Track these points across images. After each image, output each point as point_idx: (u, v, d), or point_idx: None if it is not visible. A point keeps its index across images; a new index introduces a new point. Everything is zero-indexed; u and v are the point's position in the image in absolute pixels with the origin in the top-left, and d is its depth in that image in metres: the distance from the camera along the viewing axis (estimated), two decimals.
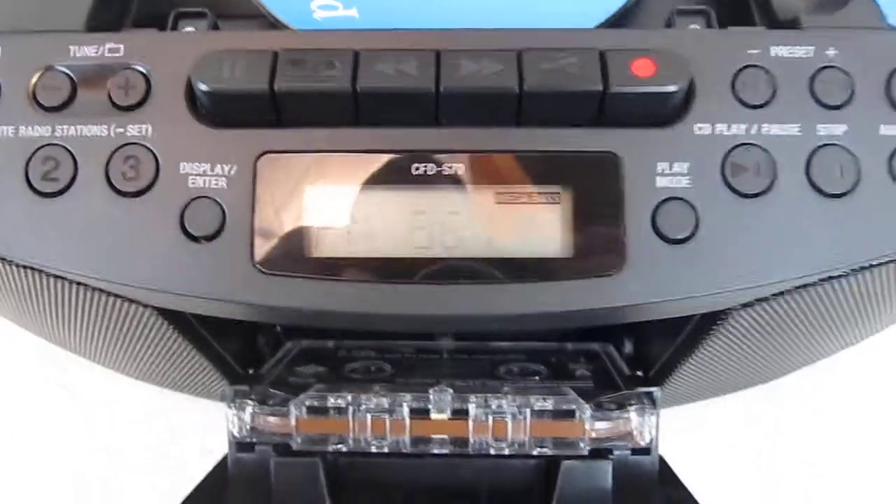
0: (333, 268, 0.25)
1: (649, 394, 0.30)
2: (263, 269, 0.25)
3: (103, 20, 0.27)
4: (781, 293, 0.26)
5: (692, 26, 0.28)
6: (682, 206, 0.25)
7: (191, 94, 0.25)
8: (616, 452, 0.30)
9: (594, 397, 0.30)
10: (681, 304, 0.25)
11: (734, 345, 0.29)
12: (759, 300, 0.26)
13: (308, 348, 0.36)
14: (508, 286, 0.25)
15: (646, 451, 0.30)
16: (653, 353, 0.33)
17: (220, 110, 0.25)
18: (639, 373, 0.33)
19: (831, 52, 0.26)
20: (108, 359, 0.33)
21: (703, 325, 0.28)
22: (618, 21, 0.29)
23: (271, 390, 0.30)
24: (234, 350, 0.34)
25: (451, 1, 0.30)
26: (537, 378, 0.33)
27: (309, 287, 0.25)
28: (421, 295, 0.25)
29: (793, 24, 0.27)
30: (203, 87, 0.25)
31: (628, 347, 0.35)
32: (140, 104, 0.25)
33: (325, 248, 0.25)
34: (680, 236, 0.25)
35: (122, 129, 0.25)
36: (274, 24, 0.29)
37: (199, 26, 0.28)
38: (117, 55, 0.26)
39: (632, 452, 0.30)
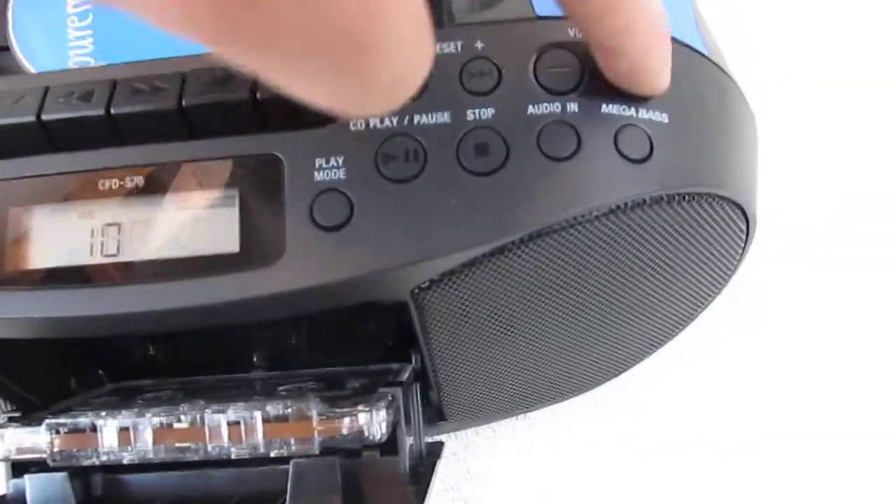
0: (33, 278, 0.28)
1: (387, 394, 0.31)
2: None
3: None
4: (453, 271, 0.27)
5: None
6: (337, 196, 0.27)
7: None
8: (365, 453, 0.31)
9: (339, 401, 0.31)
10: (345, 288, 0.27)
11: (452, 337, 0.30)
12: (434, 281, 0.27)
13: (122, 387, 0.38)
14: (187, 282, 0.27)
15: (392, 448, 0.31)
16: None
17: None
18: (415, 385, 0.34)
19: (479, 44, 0.28)
20: None
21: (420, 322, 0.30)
22: None
23: (46, 417, 0.32)
24: (46, 396, 0.36)
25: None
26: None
27: (10, 298, 0.27)
28: (110, 297, 0.27)
29: (451, 22, 0.29)
30: None
31: (416, 363, 0.36)
32: None
33: (27, 261, 0.28)
34: (335, 223, 0.26)
35: None
36: None
37: None
38: None
39: (381, 452, 0.31)
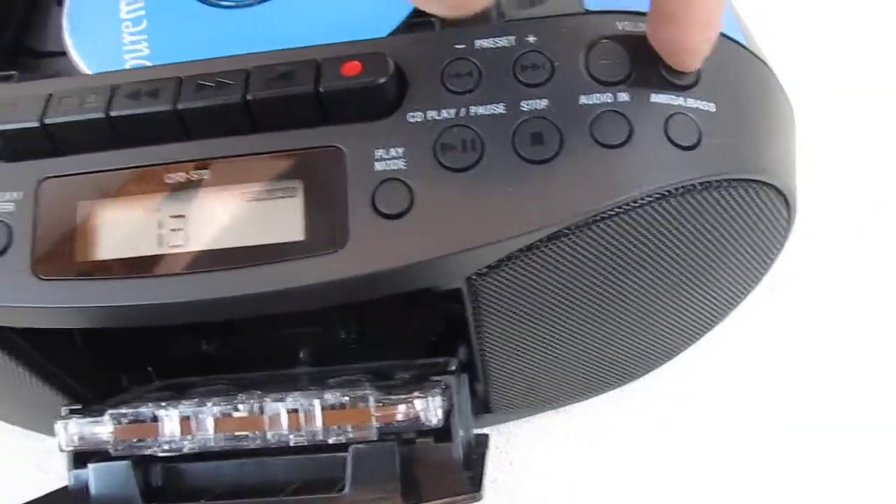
0: (102, 269, 0.28)
1: (441, 382, 0.32)
2: (41, 276, 0.28)
3: None
4: (510, 257, 0.28)
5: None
6: (398, 186, 0.28)
7: None
8: (419, 440, 0.32)
9: (393, 390, 0.32)
10: (407, 275, 0.27)
11: (503, 325, 0.31)
12: (491, 267, 0.28)
13: (172, 383, 0.39)
14: (254, 269, 0.28)
15: (446, 435, 0.32)
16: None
17: (8, 147, 0.29)
18: (463, 376, 0.35)
19: (531, 38, 0.29)
20: None
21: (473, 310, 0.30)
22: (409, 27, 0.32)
23: (104, 407, 0.33)
24: (99, 392, 0.37)
25: (250, 35, 0.34)
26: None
27: (80, 288, 0.28)
28: (177, 285, 0.28)
29: (502, 18, 0.30)
30: None
31: (462, 355, 0.37)
32: None
33: (95, 253, 0.29)
34: (396, 211, 0.27)
35: None
36: None
37: None
38: None
39: (435, 439, 0.32)
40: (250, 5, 0.36)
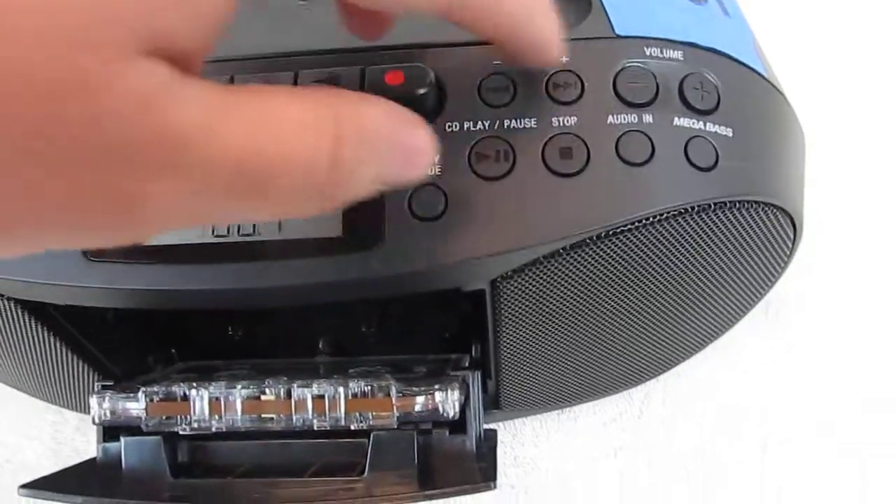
0: (147, 254, 0.30)
1: (459, 377, 0.34)
2: (91, 257, 0.30)
3: None
4: (534, 262, 0.30)
5: None
6: (434, 191, 0.29)
7: None
8: (435, 431, 0.33)
9: (412, 382, 0.34)
10: (438, 274, 0.29)
11: (520, 327, 0.33)
12: (516, 271, 0.30)
13: (195, 366, 0.41)
14: (289, 262, 0.30)
15: (461, 428, 0.33)
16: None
17: None
18: (478, 372, 0.37)
19: (564, 59, 0.30)
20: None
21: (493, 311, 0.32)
22: None
23: (135, 384, 0.35)
24: (126, 369, 0.39)
25: None
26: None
27: (126, 270, 0.30)
28: (218, 273, 0.30)
29: None
30: None
31: (475, 352, 0.39)
32: None
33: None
34: (431, 215, 0.29)
35: None
36: None
37: None
38: None
39: (450, 431, 0.33)
40: None
